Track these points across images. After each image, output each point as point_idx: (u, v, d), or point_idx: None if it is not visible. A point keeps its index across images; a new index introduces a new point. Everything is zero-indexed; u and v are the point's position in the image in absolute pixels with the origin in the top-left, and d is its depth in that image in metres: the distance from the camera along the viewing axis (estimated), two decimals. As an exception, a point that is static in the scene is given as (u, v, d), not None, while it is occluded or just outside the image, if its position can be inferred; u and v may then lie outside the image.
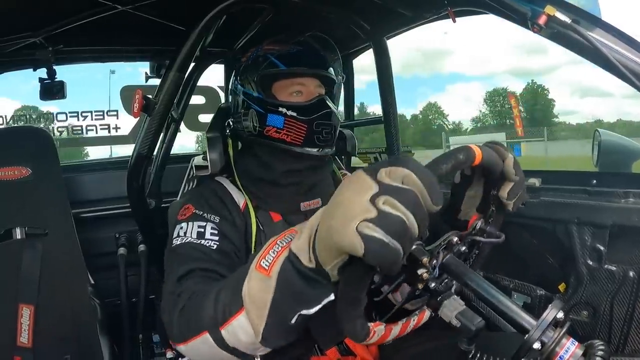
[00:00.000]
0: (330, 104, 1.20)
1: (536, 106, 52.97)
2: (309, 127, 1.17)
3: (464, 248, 0.80)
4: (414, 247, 0.66)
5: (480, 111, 58.41)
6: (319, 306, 0.68)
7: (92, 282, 1.82)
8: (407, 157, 0.60)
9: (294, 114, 1.17)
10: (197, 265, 1.00)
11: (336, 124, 1.22)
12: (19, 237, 1.64)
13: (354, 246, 0.54)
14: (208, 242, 1.07)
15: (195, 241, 1.07)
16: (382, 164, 0.59)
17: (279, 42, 1.25)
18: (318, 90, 1.22)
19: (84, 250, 1.76)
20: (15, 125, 6.60)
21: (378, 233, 0.53)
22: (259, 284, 0.69)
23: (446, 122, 60.18)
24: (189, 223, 1.11)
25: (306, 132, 1.17)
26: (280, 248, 0.69)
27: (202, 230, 1.09)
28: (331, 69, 1.26)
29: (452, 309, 0.73)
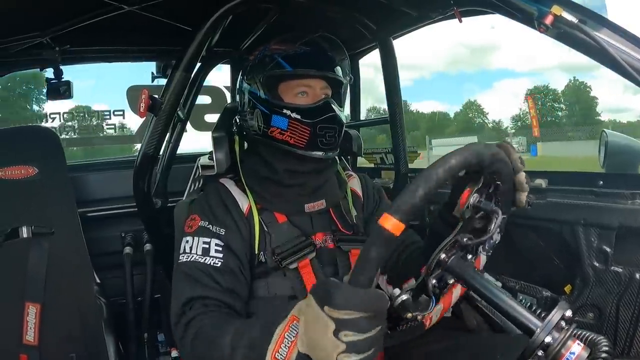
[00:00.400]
0: (335, 107, 1.20)
1: (577, 105, 52.21)
2: (312, 130, 1.17)
3: (466, 239, 0.80)
4: (398, 302, 0.75)
5: (521, 109, 57.66)
6: None
7: (98, 281, 1.82)
8: (336, 291, 0.68)
9: (298, 116, 1.17)
10: (200, 294, 1.06)
11: (340, 126, 1.22)
12: (25, 235, 1.65)
13: None
14: (212, 260, 1.11)
15: (200, 259, 1.11)
16: (324, 297, 0.68)
17: (286, 41, 1.24)
18: (324, 91, 1.21)
19: (90, 249, 1.78)
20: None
21: (355, 357, 0.66)
22: None
23: (486, 121, 59.54)
24: (194, 238, 1.14)
25: (309, 135, 1.17)
26: (290, 342, 0.78)
27: (207, 246, 1.13)
28: (338, 69, 1.24)
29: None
